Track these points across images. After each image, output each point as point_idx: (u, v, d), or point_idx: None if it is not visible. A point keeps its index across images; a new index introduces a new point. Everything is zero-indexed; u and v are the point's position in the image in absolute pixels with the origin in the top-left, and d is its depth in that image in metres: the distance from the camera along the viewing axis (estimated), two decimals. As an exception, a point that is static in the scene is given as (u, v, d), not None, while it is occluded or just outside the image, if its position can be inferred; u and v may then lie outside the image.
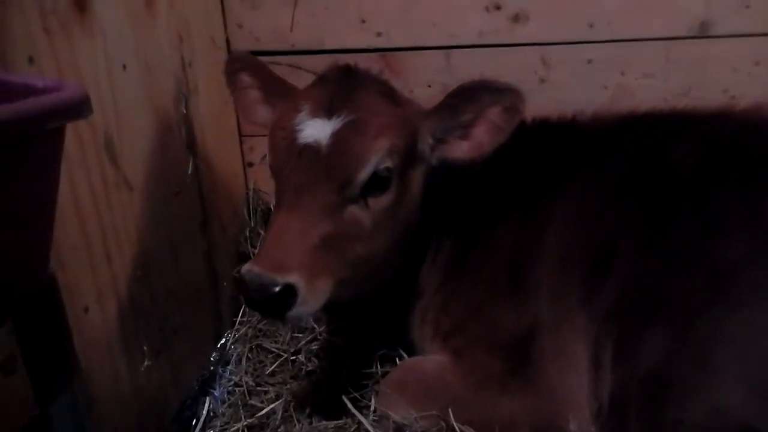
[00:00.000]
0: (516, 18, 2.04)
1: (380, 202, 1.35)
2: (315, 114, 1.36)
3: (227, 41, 2.03)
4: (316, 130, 1.34)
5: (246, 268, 1.21)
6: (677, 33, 2.03)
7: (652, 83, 2.09)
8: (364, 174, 1.31)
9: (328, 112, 1.35)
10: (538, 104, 2.02)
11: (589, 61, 2.08)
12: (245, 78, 1.58)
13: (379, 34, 2.06)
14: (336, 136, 1.32)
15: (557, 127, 1.64)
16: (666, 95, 2.10)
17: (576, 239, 1.39)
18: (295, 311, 1.21)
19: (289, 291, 1.19)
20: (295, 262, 1.21)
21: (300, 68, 2.08)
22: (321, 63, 2.05)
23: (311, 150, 1.32)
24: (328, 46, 2.08)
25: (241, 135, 2.15)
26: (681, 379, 1.16)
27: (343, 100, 1.38)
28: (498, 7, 2.03)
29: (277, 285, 1.17)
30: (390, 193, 1.37)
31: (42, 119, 0.67)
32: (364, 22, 2.04)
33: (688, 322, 1.19)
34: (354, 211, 1.33)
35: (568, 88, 2.10)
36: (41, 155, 0.73)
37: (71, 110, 0.71)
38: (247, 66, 1.58)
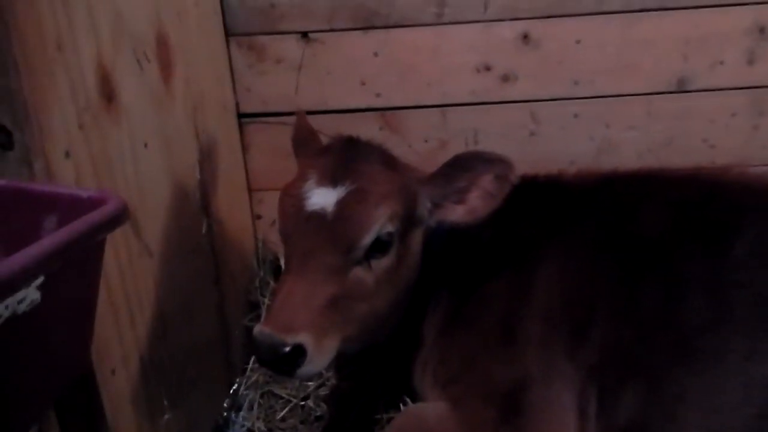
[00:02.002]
0: (505, 78, 2.18)
1: (382, 263, 1.46)
2: (320, 183, 1.48)
3: (237, 105, 2.18)
4: (321, 198, 1.44)
5: (258, 329, 1.32)
6: (657, 89, 2.17)
7: (636, 135, 2.22)
8: (367, 239, 1.42)
9: (333, 181, 1.47)
10: (529, 156, 2.21)
11: (576, 116, 2.21)
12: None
13: (378, 95, 2.20)
14: (340, 203, 1.43)
15: (543, 187, 1.75)
16: (649, 146, 2.24)
17: (559, 299, 1.50)
18: (304, 369, 1.31)
19: (299, 350, 1.29)
20: (304, 322, 1.31)
21: (305, 128, 2.23)
22: (324, 122, 2.22)
23: (317, 217, 1.43)
24: (330, 107, 2.23)
25: (250, 189, 2.29)
26: (653, 430, 1.27)
27: (346, 169, 1.49)
28: (488, 68, 2.17)
29: (286, 345, 1.27)
30: (391, 255, 1.47)
31: (92, 234, 0.80)
32: (364, 84, 2.19)
33: (658, 381, 1.30)
34: (358, 272, 1.43)
35: (556, 140, 2.24)
36: (89, 260, 0.85)
37: (114, 222, 0.84)
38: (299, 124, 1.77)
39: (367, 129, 2.18)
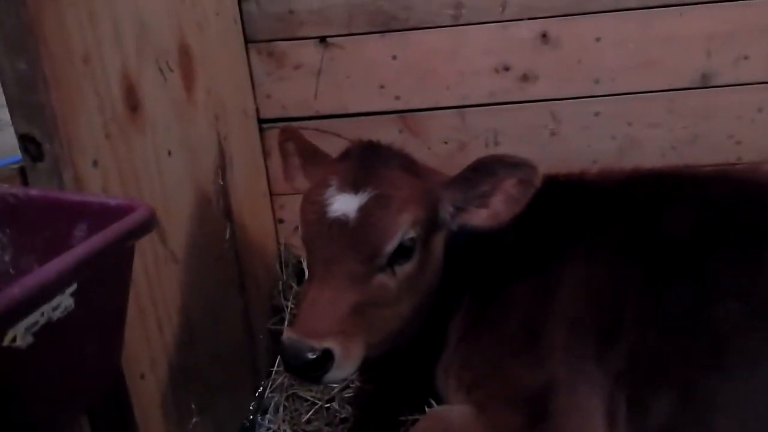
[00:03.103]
0: (525, 78, 2.17)
1: (405, 269, 1.46)
2: (342, 189, 1.48)
3: (257, 111, 2.20)
4: (343, 204, 1.44)
5: (285, 335, 1.32)
6: (679, 85, 2.14)
7: (659, 133, 2.20)
8: (390, 246, 1.42)
9: (354, 188, 1.47)
10: (550, 156, 2.20)
11: (597, 114, 2.19)
12: (290, 147, 1.75)
13: (397, 98, 2.21)
14: (362, 210, 1.43)
15: (565, 187, 1.73)
16: (673, 143, 2.21)
17: (585, 303, 1.47)
18: (332, 375, 1.32)
19: (327, 356, 1.29)
20: (330, 328, 1.32)
21: (325, 131, 2.24)
22: (344, 126, 2.24)
23: (339, 223, 1.43)
24: (350, 110, 2.24)
25: (271, 194, 2.31)
26: None
27: (368, 175, 1.50)
28: (507, 69, 2.16)
29: (315, 351, 1.28)
30: (414, 260, 1.47)
31: (122, 241, 0.82)
32: (382, 87, 2.20)
33: (689, 387, 1.28)
34: (382, 279, 1.43)
35: (577, 140, 2.22)
36: (120, 267, 0.87)
37: (143, 228, 0.86)
38: (291, 137, 1.75)
39: (386, 132, 2.19)
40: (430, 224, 1.52)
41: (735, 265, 1.35)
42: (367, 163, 1.54)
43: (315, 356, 1.28)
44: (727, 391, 1.24)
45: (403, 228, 1.43)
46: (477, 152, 2.19)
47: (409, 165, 1.58)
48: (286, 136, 1.77)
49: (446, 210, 1.55)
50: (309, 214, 1.50)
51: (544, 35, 2.12)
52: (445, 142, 2.26)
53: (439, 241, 1.58)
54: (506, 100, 2.20)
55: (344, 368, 1.34)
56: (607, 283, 1.48)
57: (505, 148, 2.23)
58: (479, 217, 1.53)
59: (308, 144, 1.75)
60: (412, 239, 1.45)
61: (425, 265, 1.52)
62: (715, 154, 2.16)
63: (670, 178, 1.63)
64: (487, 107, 2.21)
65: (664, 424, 1.29)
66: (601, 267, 1.51)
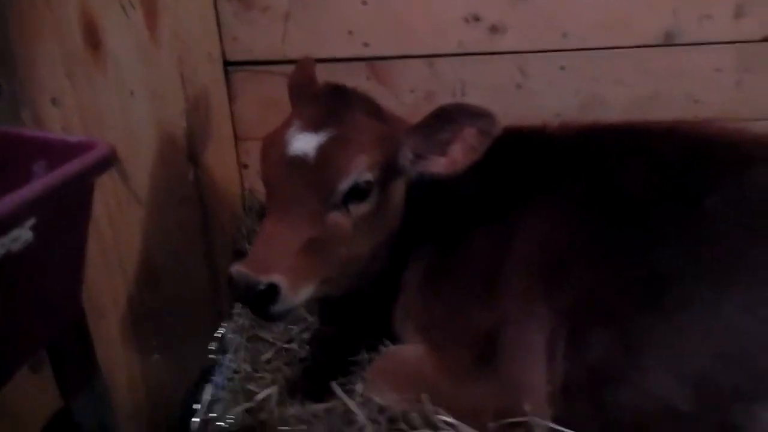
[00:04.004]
0: (494, 29, 2.17)
1: (360, 209, 1.49)
2: (303, 129, 1.51)
3: (223, 54, 2.16)
4: (303, 143, 1.48)
5: (235, 268, 1.37)
6: (645, 42, 2.17)
7: (622, 90, 2.24)
8: (345, 185, 1.45)
9: (316, 128, 1.50)
10: (516, 108, 2.22)
11: (562, 68, 2.22)
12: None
13: (366, 45, 2.19)
14: (321, 149, 1.46)
15: (527, 139, 1.77)
16: (636, 100, 2.26)
17: (539, 248, 1.54)
18: (278, 307, 1.37)
19: (272, 290, 1.34)
20: (278, 263, 1.37)
21: (293, 77, 2.22)
22: (313, 71, 2.22)
23: (298, 162, 1.46)
24: (318, 56, 2.20)
25: (237, 139, 2.30)
26: (618, 370, 1.35)
27: (330, 116, 1.52)
28: (477, 19, 2.16)
29: (260, 284, 1.33)
30: (370, 202, 1.51)
31: (82, 177, 0.83)
32: (351, 33, 2.17)
33: (625, 324, 1.37)
34: (336, 217, 1.47)
35: (543, 93, 2.25)
36: (79, 204, 0.89)
37: (103, 165, 0.87)
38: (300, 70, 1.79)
39: (354, 79, 2.17)
40: (389, 169, 1.55)
41: (678, 214, 1.42)
42: (331, 105, 1.55)
43: (261, 289, 1.32)
44: (660, 329, 1.33)
45: (358, 169, 1.46)
46: (444, 102, 2.22)
47: (373, 109, 1.60)
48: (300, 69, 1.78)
49: (406, 156, 1.58)
50: (270, 153, 1.53)
51: (515, -13, 2.11)
52: (413, 92, 2.26)
53: (399, 187, 1.62)
54: (475, 51, 2.20)
55: (290, 301, 1.39)
56: (561, 230, 1.55)
57: (472, 100, 2.23)
58: (438, 165, 1.56)
59: (306, 77, 1.75)
60: (368, 182, 1.48)
61: (383, 209, 1.56)
62: (674, 112, 2.21)
63: (625, 132, 1.68)
64: (455, 57, 2.21)
65: (598, 358, 1.38)
66: (557, 215, 1.57)
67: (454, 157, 1.54)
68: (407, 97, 2.26)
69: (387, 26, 2.16)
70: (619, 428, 1.34)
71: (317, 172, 1.45)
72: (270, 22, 2.15)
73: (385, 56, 2.22)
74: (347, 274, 1.58)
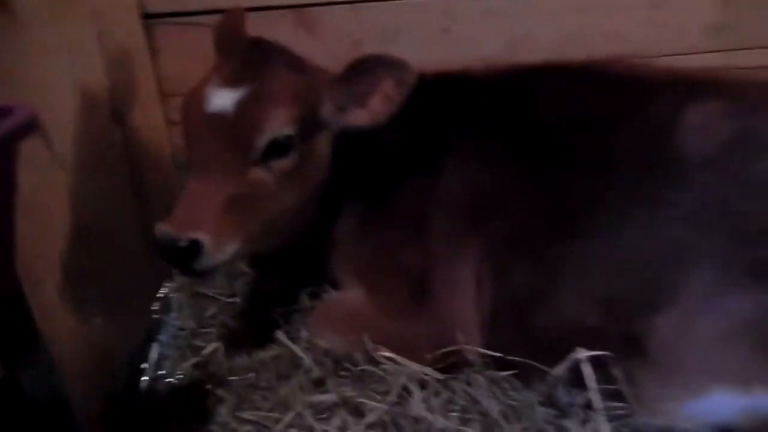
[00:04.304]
0: (419, -27, 2.17)
1: (282, 165, 1.51)
2: (222, 84, 1.50)
3: (140, 5, 2.07)
4: (222, 99, 1.47)
5: (157, 227, 1.39)
6: (564, -17, 2.22)
7: (544, 30, 2.29)
8: (262, 141, 1.46)
9: (234, 83, 1.49)
10: (444, 53, 2.24)
11: (487, 12, 2.25)
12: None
13: (291, -8, 2.15)
14: (239, 105, 1.46)
15: (452, 82, 1.82)
16: (557, 40, 2.32)
17: (464, 187, 1.63)
18: (202, 263, 1.40)
19: (195, 246, 1.37)
20: (201, 220, 1.39)
21: (216, 28, 2.15)
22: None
23: (217, 118, 1.46)
24: (242, 4, 2.15)
25: (162, 95, 2.23)
26: (537, 295, 1.48)
27: (249, 71, 1.52)
28: (402, -37, 2.15)
29: (182, 241, 1.36)
30: (292, 157, 1.52)
31: (2, 143, 0.82)
32: (275, -20, 2.12)
33: (542, 252, 1.49)
34: (257, 173, 1.48)
35: (469, 37, 2.28)
36: (2, 170, 0.87)
37: (24, 130, 0.86)
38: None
39: (281, 28, 2.14)
40: (311, 123, 1.56)
41: (589, 146, 1.53)
42: (250, 59, 1.55)
43: (183, 246, 1.35)
44: (572, 255, 1.46)
45: (276, 123, 1.47)
46: (372, 49, 2.16)
47: (294, 62, 1.60)
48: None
49: (328, 109, 1.60)
50: (189, 110, 1.52)
51: (439, -72, 2.10)
52: (340, 39, 2.24)
53: (323, 141, 1.63)
54: (401, -4, 2.20)
55: (215, 257, 1.42)
56: (482, 168, 1.63)
57: (400, 45, 2.25)
58: (359, 117, 1.59)
59: (233, 30, 1.70)
60: (288, 136, 1.49)
61: (307, 163, 1.57)
62: (593, 49, 2.26)
63: (542, 72, 1.76)
64: (381, 2, 2.20)
65: (522, 286, 1.50)
66: (480, 155, 1.65)
67: (374, 108, 1.57)
68: (334, 47, 2.24)
69: (312, -27, 2.12)
70: (540, 349, 1.47)
71: (236, 128, 1.45)
72: (190, -29, 2.06)
73: (310, 3, 2.17)
74: (276, 230, 1.61)
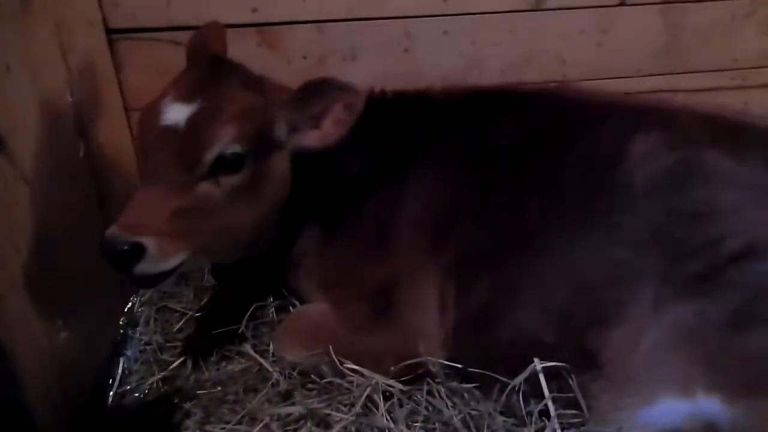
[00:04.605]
0: (380, -6, 2.24)
1: (232, 181, 1.54)
2: (177, 99, 1.54)
3: (104, 20, 2.07)
4: (175, 113, 1.51)
5: (107, 230, 1.42)
6: (517, 7, 2.33)
7: (499, 51, 2.39)
8: (209, 156, 1.50)
9: (189, 98, 1.53)
10: (404, 72, 2.31)
11: (446, 33, 2.34)
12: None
13: (254, 10, 2.18)
14: (191, 120, 1.51)
15: (412, 102, 1.89)
16: (512, 61, 2.43)
17: (424, 206, 1.70)
18: (141, 267, 1.43)
19: (137, 249, 1.40)
20: (146, 225, 1.42)
21: (181, 44, 2.17)
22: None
23: (170, 132, 1.50)
24: (205, 21, 2.17)
25: (126, 109, 2.23)
26: (496, 311, 1.55)
27: (204, 87, 1.56)
28: (364, -16, 2.21)
29: (126, 243, 1.39)
30: (242, 175, 1.55)
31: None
32: (238, -2, 2.16)
33: (500, 269, 1.56)
34: (206, 188, 1.52)
35: (428, 57, 2.36)
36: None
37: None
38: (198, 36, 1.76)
39: (244, 45, 2.16)
40: (264, 142, 1.60)
41: (543, 169, 1.62)
42: (206, 76, 1.59)
43: (125, 248, 1.39)
44: (528, 272, 1.54)
45: (223, 140, 1.50)
46: (335, 67, 2.28)
47: (250, 81, 1.64)
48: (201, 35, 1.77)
49: (281, 129, 1.63)
50: (144, 124, 1.56)
51: (398, -48, 2.17)
52: (304, 57, 2.29)
53: (279, 160, 1.66)
54: (363, 16, 2.26)
55: (158, 264, 1.45)
56: (443, 188, 1.70)
57: (362, 63, 2.32)
58: (311, 138, 1.63)
59: (202, 44, 1.73)
60: (235, 153, 1.52)
61: (262, 181, 1.61)
62: (545, 71, 2.41)
63: (499, 95, 1.85)
64: (344, 22, 2.26)
65: (482, 303, 1.57)
66: (439, 174, 1.72)
67: (326, 130, 1.61)
68: (299, 63, 2.28)
69: (274, -9, 2.16)
70: (499, 363, 1.54)
71: (185, 142, 1.49)
72: (153, -13, 2.08)
73: (274, 22, 2.22)
74: (233, 243, 1.65)
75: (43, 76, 1.61)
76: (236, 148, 1.52)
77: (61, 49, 1.72)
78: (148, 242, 1.40)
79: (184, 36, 2.14)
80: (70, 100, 1.74)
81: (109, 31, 2.10)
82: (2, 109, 1.41)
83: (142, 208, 1.45)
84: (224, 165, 1.51)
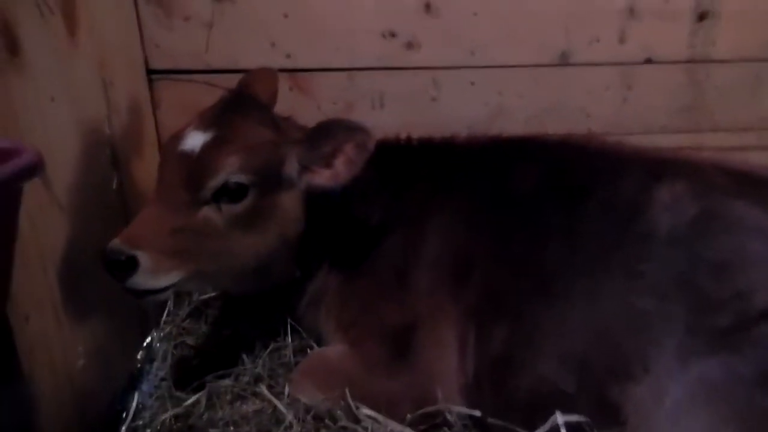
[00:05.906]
0: (409, 45, 2.31)
1: (233, 209, 1.58)
2: (197, 128, 1.62)
3: (145, 61, 2.17)
4: (192, 140, 1.59)
5: (111, 241, 1.47)
6: (542, 61, 2.38)
7: (524, 102, 2.43)
8: (214, 182, 1.55)
9: (207, 127, 1.61)
10: (431, 119, 2.36)
11: (472, 83, 2.39)
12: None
13: (288, 56, 2.27)
14: (203, 147, 1.57)
15: (437, 149, 1.93)
16: (535, 112, 2.46)
17: (445, 250, 1.69)
18: (133, 280, 1.46)
19: (131, 262, 1.44)
20: (145, 241, 1.47)
21: (216, 86, 2.25)
22: (235, 81, 2.23)
23: (185, 156, 1.57)
24: (241, 66, 2.26)
25: (161, 146, 2.30)
26: (516, 357, 1.51)
27: (221, 119, 1.63)
28: (393, 35, 2.29)
29: (123, 254, 1.43)
30: (245, 205, 1.59)
31: (9, 183, 0.85)
32: (274, 45, 2.24)
33: (521, 315, 1.54)
34: (207, 212, 1.56)
35: (455, 106, 2.41)
36: (6, 210, 0.90)
37: (31, 171, 0.90)
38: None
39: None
40: (272, 177, 1.63)
41: (563, 216, 1.61)
42: (227, 109, 1.66)
43: (121, 259, 1.43)
44: (548, 320, 1.51)
45: (228, 169, 1.55)
46: (364, 113, 2.34)
47: (265, 117, 1.69)
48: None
49: (292, 167, 1.66)
50: (167, 147, 1.63)
51: (427, 5, 2.25)
52: (334, 103, 2.35)
53: (289, 198, 1.68)
54: (392, 65, 2.33)
55: (150, 278, 1.48)
56: (464, 232, 1.70)
57: (390, 111, 2.38)
58: (322, 177, 1.66)
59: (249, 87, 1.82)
60: (239, 183, 1.57)
61: (266, 215, 1.63)
62: (569, 124, 2.43)
63: (522, 143, 1.88)
64: (374, 71, 2.33)
65: (502, 349, 1.54)
66: (461, 218, 1.72)
67: (337, 169, 1.64)
68: (329, 108, 2.35)
69: (308, 39, 2.25)
70: (519, 411, 1.49)
71: (196, 167, 1.55)
72: (193, 31, 2.18)
73: (306, 68, 2.30)
74: (235, 272, 1.67)
75: (85, 108, 1.68)
76: (241, 178, 1.57)
77: (103, 85, 1.80)
78: (143, 257, 1.45)
79: (220, 79, 2.26)
80: (108, 132, 1.80)
81: (150, 72, 2.19)
82: (44, 136, 1.46)
83: (144, 224, 1.51)
84: (228, 193, 1.56)
